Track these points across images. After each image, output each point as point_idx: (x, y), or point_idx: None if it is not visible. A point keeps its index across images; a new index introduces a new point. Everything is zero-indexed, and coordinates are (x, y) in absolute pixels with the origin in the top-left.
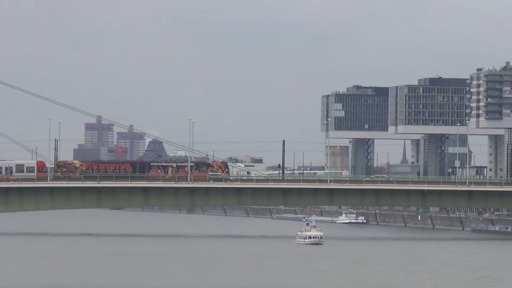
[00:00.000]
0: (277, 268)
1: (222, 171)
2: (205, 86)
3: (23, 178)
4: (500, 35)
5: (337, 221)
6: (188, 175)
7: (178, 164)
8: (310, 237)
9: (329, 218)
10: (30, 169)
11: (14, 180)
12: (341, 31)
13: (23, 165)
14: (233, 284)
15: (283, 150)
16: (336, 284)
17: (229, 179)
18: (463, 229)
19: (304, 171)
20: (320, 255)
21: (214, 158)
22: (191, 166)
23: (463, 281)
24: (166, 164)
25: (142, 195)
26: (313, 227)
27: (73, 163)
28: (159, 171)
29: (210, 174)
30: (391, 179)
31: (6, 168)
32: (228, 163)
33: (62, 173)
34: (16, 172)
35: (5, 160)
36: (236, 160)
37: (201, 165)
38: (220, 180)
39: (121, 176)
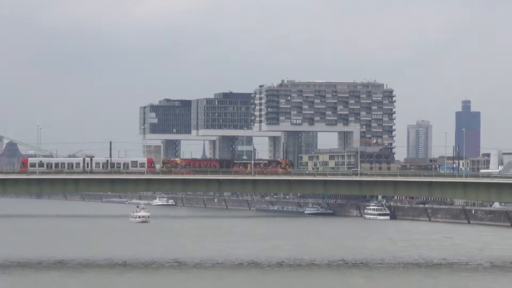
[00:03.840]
0: (116, 239)
1: (289, 167)
2: (51, 97)
3: (137, 171)
4: (277, 56)
5: (152, 203)
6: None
7: (255, 161)
8: (139, 217)
9: (146, 201)
10: (142, 165)
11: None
12: (153, 48)
13: (137, 161)
14: (78, 253)
15: (110, 149)
16: (158, 250)
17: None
18: (250, 208)
19: None
20: (147, 229)
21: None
22: (265, 163)
23: (253, 248)
24: (246, 162)
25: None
26: (142, 208)
27: (175, 160)
28: (241, 167)
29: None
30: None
31: (124, 164)
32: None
33: (167, 168)
34: (131, 167)
35: (123, 157)
36: (74, 156)
37: (273, 163)
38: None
39: (212, 171)
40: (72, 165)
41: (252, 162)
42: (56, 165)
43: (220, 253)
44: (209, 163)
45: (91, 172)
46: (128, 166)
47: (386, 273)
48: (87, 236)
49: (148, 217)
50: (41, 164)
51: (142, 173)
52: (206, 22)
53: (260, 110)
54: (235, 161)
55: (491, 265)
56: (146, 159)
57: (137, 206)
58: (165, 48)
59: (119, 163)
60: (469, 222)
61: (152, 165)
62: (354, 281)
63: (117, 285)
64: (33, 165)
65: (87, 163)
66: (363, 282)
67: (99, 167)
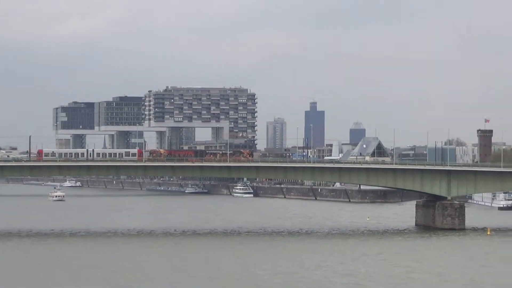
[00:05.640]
0: (38, 213)
1: (250, 156)
2: None
3: (130, 159)
4: (162, 67)
5: (63, 185)
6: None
7: (222, 152)
8: (56, 196)
9: (58, 183)
10: (134, 154)
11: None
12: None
13: (129, 151)
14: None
15: (30, 142)
16: (73, 222)
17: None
18: (141, 189)
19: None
20: (62, 206)
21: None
22: (231, 153)
23: (147, 221)
24: (216, 152)
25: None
26: (58, 189)
27: (159, 151)
28: (211, 156)
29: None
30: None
31: (119, 154)
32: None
33: (153, 157)
34: (124, 156)
35: (118, 148)
36: (0, 148)
37: (237, 152)
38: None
39: (190, 159)
40: (78, 155)
41: (229, 152)
42: (65, 154)
43: (123, 224)
44: (186, 153)
45: (94, 160)
46: (122, 155)
47: (249, 240)
48: (12, 211)
49: (63, 196)
50: (53, 154)
51: (138, 161)
52: (106, 39)
53: (149, 110)
54: (207, 152)
55: (338, 231)
56: (137, 150)
57: (54, 187)
58: (74, 60)
59: (116, 153)
60: (316, 199)
61: (141, 154)
62: (224, 245)
63: (40, 251)
64: (47, 154)
65: (90, 154)
66: (235, 248)
67: (99, 156)
